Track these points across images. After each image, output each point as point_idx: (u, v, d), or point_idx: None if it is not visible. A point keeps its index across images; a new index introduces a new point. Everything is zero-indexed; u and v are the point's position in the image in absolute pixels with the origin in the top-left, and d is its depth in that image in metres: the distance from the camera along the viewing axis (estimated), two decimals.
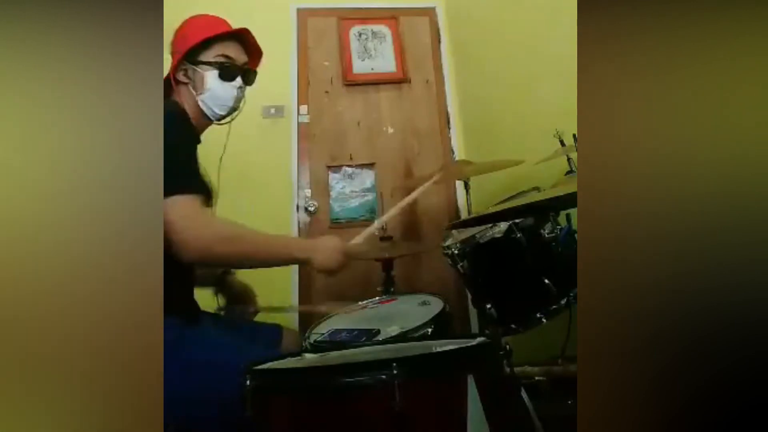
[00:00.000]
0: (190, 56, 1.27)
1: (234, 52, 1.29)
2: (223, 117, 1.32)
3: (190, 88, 1.27)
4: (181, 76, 1.28)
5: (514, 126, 2.49)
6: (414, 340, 1.10)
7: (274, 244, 1.19)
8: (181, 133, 1.15)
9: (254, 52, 1.37)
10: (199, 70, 1.26)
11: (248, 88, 1.35)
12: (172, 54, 1.29)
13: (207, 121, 1.32)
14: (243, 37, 1.32)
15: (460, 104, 3.04)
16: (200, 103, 1.27)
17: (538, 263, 1.50)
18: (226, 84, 1.27)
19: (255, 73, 1.37)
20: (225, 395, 0.81)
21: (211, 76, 1.26)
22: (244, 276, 1.50)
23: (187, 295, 1.26)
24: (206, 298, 1.40)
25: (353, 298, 1.61)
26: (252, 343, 1.25)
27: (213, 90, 1.26)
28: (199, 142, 1.28)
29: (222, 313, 1.43)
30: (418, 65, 3.07)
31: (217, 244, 1.07)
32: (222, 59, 1.27)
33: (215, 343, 1.14)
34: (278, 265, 1.23)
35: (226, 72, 1.27)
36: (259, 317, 1.48)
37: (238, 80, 1.29)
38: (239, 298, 1.46)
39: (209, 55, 1.27)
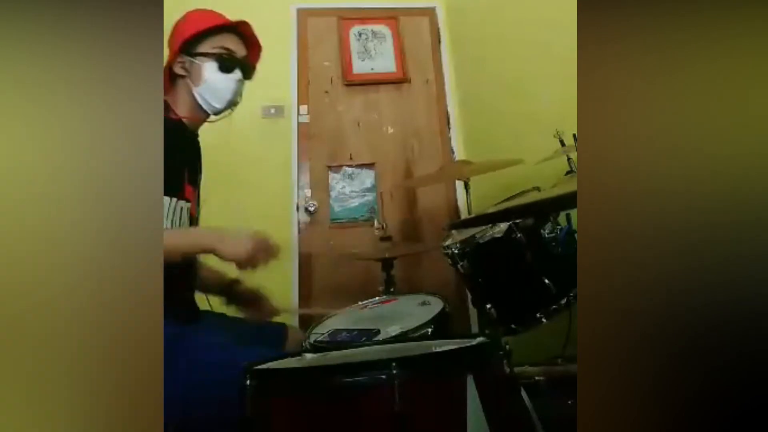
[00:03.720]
0: (187, 49, 1.25)
1: (233, 44, 1.28)
2: (221, 111, 1.31)
3: (188, 81, 1.26)
4: (178, 69, 1.26)
5: (514, 126, 2.49)
6: (414, 340, 1.10)
7: (180, 235, 1.16)
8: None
9: (253, 46, 1.35)
10: (196, 61, 1.25)
11: (249, 87, 1.33)
12: (169, 47, 1.27)
13: (203, 116, 1.31)
14: (241, 31, 1.31)
15: (460, 104, 3.03)
16: (197, 96, 1.26)
17: (538, 263, 1.50)
18: (225, 76, 1.26)
19: (254, 67, 1.35)
20: (225, 395, 0.81)
21: (209, 68, 1.25)
22: (251, 280, 1.43)
23: (187, 295, 1.26)
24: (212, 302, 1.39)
25: (353, 298, 1.61)
26: (254, 343, 1.24)
27: (211, 82, 1.25)
28: (196, 136, 1.29)
29: (239, 315, 1.40)
30: (418, 65, 3.07)
31: None
32: (221, 50, 1.26)
33: (215, 343, 1.14)
34: (186, 255, 1.17)
35: (225, 63, 1.25)
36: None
37: (237, 73, 1.27)
38: (251, 304, 1.42)
39: (207, 47, 1.26)
